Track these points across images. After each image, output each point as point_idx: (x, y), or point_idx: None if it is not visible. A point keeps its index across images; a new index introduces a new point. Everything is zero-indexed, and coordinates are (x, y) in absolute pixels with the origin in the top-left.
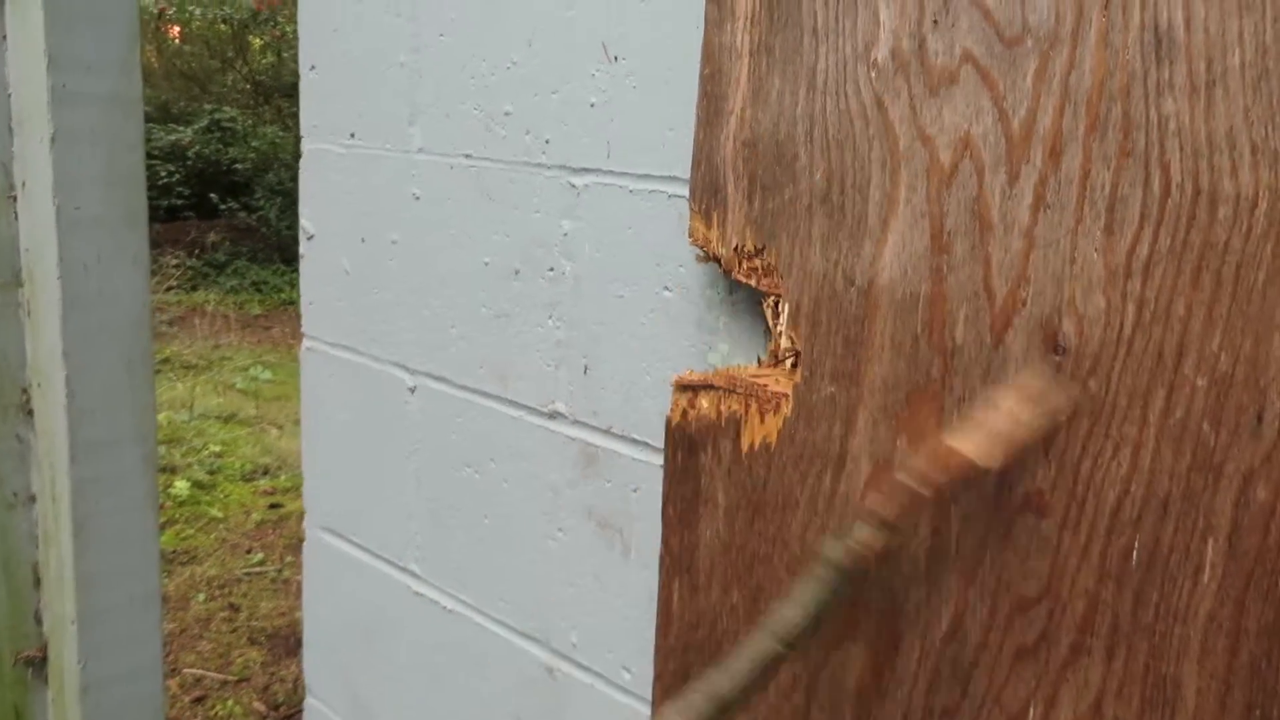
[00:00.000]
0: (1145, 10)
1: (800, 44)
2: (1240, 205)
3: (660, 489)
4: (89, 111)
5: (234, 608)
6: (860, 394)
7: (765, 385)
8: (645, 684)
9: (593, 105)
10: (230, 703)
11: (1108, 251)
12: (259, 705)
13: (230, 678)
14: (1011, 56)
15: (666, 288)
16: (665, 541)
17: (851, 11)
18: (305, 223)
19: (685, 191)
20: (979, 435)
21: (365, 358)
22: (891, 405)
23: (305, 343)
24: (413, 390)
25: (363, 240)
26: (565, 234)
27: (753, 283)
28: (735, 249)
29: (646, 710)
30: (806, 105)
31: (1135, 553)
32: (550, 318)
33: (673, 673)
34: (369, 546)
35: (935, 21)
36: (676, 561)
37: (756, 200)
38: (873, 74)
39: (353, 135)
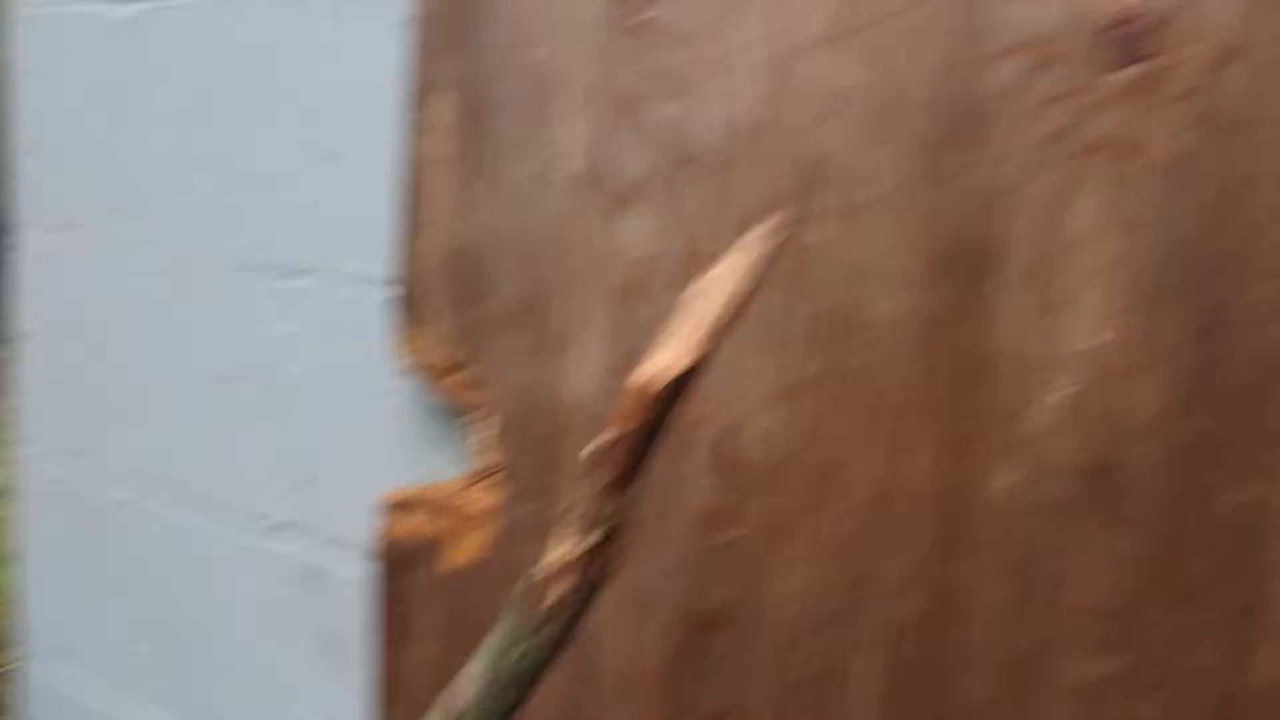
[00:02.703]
0: (801, 140)
1: (499, 156)
2: (882, 330)
3: None
4: None
5: None
6: (558, 512)
7: (471, 503)
8: None
9: (308, 205)
10: None
11: (768, 375)
12: None
13: None
14: (687, 177)
15: (383, 396)
16: (377, 666)
17: (547, 126)
18: (23, 322)
19: None
20: (669, 348)
21: (81, 467)
22: None
23: (22, 450)
24: (126, 505)
25: (76, 342)
26: (282, 338)
27: (459, 397)
28: (441, 362)
29: None
30: (504, 218)
31: (805, 669)
32: (269, 426)
33: None
34: (93, 672)
35: (621, 139)
36: (389, 688)
37: (460, 313)
38: (565, 188)
39: (67, 230)
